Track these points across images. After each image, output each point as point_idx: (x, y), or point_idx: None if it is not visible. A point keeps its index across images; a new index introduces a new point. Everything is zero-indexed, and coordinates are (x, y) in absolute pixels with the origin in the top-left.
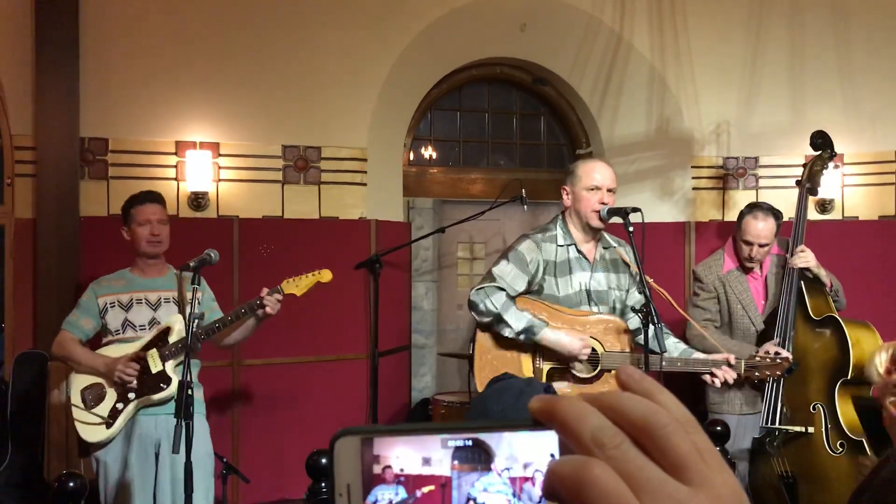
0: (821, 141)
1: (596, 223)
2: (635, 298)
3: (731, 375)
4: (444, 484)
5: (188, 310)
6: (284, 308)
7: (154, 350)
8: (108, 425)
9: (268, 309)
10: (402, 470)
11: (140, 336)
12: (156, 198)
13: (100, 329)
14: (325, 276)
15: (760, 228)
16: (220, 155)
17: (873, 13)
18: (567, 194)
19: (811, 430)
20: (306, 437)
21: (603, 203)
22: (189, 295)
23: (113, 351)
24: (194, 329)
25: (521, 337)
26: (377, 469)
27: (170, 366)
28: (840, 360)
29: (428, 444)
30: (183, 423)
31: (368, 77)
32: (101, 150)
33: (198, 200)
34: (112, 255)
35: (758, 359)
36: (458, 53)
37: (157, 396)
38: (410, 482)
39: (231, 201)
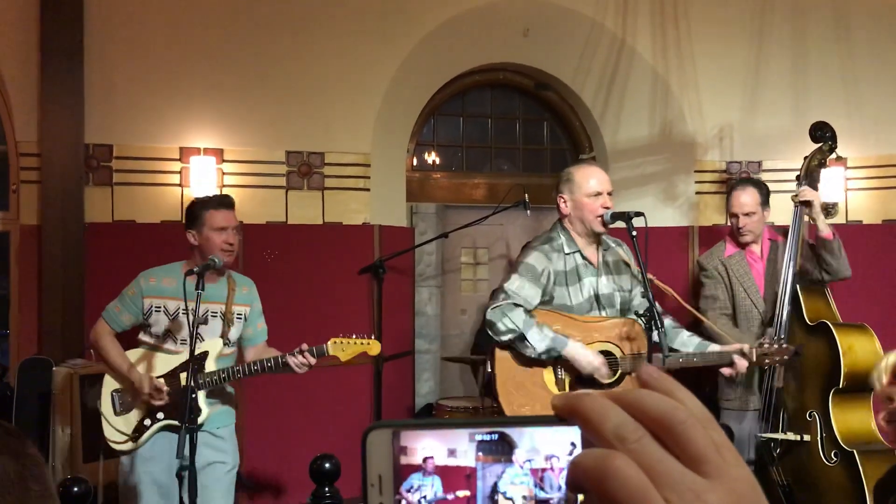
0: (820, 133)
1: (600, 228)
2: (639, 298)
3: (744, 365)
4: (468, 475)
5: (196, 313)
6: (288, 313)
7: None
8: (134, 440)
9: (295, 367)
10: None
11: (180, 351)
12: (231, 203)
13: (139, 324)
14: (374, 348)
15: (740, 198)
16: (223, 161)
17: (876, 17)
18: (565, 202)
19: (807, 438)
20: (310, 442)
21: (606, 207)
22: (237, 307)
23: (145, 360)
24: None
25: (544, 356)
26: (405, 460)
27: (202, 396)
28: (832, 369)
29: (454, 436)
30: (186, 429)
31: (372, 82)
32: (106, 157)
33: None
34: (117, 262)
35: (766, 346)
36: (461, 59)
37: (184, 424)
38: (438, 473)
39: (235, 207)
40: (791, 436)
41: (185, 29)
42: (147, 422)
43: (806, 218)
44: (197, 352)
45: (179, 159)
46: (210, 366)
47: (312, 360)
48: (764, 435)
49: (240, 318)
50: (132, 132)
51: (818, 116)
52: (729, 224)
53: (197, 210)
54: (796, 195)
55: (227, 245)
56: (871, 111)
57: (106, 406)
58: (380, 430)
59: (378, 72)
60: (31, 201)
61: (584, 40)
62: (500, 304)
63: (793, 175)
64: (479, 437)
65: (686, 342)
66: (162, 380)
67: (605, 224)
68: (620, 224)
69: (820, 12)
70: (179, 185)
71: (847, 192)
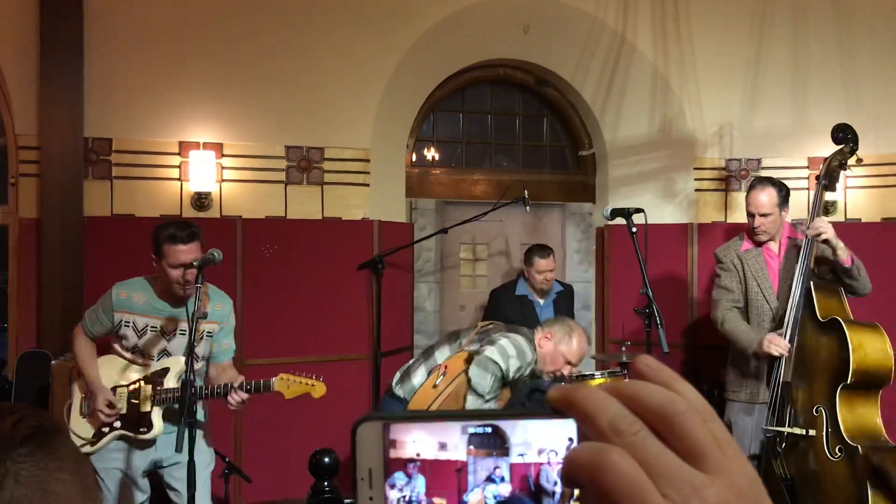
0: (842, 135)
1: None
2: None
3: None
4: (459, 469)
5: (195, 308)
6: (287, 309)
7: (150, 388)
8: (92, 444)
9: (230, 404)
10: (418, 455)
11: (146, 364)
12: (190, 237)
13: (113, 333)
14: (319, 390)
15: (758, 198)
16: (223, 155)
17: (876, 16)
18: (549, 341)
19: (812, 432)
20: (308, 437)
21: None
22: (207, 324)
23: (114, 367)
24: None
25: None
26: (395, 453)
27: (157, 412)
28: (841, 365)
29: (445, 429)
30: (185, 423)
31: (372, 78)
32: (105, 151)
33: (201, 200)
34: (116, 255)
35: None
36: (462, 55)
37: (137, 437)
38: (427, 467)
39: (234, 201)
40: (797, 430)
41: (184, 23)
42: (105, 429)
43: (825, 245)
44: (159, 367)
45: (179, 153)
46: (170, 382)
47: (245, 396)
48: (770, 428)
49: (209, 336)
50: (132, 126)
51: (818, 115)
52: (749, 222)
53: (159, 241)
54: (808, 228)
55: (183, 281)
56: (871, 109)
57: (76, 405)
58: (370, 423)
59: (378, 67)
60: (31, 194)
61: (585, 37)
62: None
63: (792, 173)
64: (471, 430)
65: None
66: (125, 389)
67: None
68: (620, 220)
69: (820, 11)
70: (179, 179)
71: (846, 190)
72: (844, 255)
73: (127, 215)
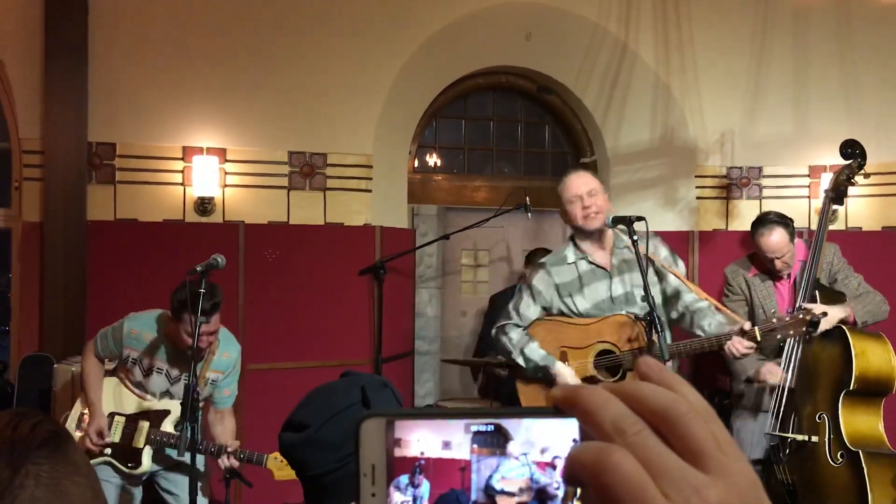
0: (850, 150)
1: (591, 225)
2: (669, 281)
3: (744, 345)
4: (463, 468)
5: (197, 312)
6: (289, 314)
7: (147, 425)
8: None
9: (220, 465)
10: (422, 453)
11: (148, 399)
12: (213, 308)
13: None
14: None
15: (773, 242)
16: (226, 160)
17: (877, 24)
18: (564, 215)
19: (815, 439)
20: None
21: (586, 207)
22: (210, 373)
23: (117, 393)
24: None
25: (540, 374)
26: (399, 452)
27: (147, 451)
28: (844, 371)
29: (449, 428)
30: (188, 427)
31: (374, 84)
32: (109, 155)
33: (204, 205)
34: (118, 259)
35: (775, 321)
36: (464, 61)
37: (123, 469)
38: (431, 466)
39: (237, 207)
40: (799, 436)
41: (189, 28)
42: (95, 450)
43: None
44: (160, 407)
45: (182, 158)
46: (167, 426)
47: (236, 465)
48: (773, 434)
49: (213, 383)
50: (135, 131)
51: (819, 123)
52: (768, 262)
53: (180, 306)
54: (804, 309)
55: (197, 346)
56: (872, 118)
57: (73, 419)
58: (374, 419)
59: (381, 73)
60: (34, 198)
61: (587, 44)
62: (503, 324)
63: (793, 181)
64: (474, 429)
65: (715, 328)
66: (123, 418)
67: (593, 221)
68: (622, 228)
69: (821, 19)
70: (182, 184)
71: (847, 198)
72: (850, 318)
73: (130, 220)
